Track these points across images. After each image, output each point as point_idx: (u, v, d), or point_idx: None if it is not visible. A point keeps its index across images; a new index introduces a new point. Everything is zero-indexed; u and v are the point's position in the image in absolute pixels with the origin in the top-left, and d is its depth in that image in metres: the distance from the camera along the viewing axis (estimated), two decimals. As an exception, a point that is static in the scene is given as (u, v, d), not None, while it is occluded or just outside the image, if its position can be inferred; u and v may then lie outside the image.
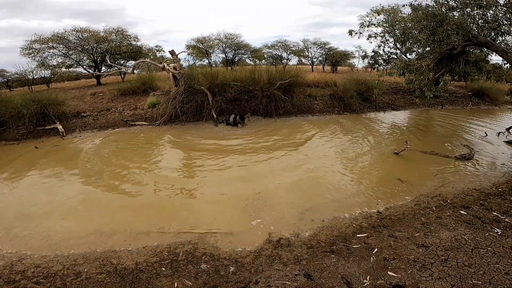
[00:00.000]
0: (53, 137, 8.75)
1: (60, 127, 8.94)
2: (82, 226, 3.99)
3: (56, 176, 5.92)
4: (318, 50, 24.11)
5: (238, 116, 9.66)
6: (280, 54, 24.49)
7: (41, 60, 14.19)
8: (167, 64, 10.36)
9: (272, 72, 11.31)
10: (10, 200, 4.86)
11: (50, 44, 13.96)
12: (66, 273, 3.07)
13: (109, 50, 14.69)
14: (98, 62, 15.55)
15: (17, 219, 4.23)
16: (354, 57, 24.21)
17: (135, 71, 11.90)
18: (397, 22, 11.95)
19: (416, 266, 2.95)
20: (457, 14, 7.31)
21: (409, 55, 14.27)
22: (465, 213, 4.10)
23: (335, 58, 24.10)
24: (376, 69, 16.51)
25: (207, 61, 22.62)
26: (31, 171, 6.16)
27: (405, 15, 11.60)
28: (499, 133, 9.07)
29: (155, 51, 21.44)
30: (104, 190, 5.15)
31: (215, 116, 9.92)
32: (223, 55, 22.53)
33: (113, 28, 15.34)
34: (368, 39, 15.21)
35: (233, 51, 22.22)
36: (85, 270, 3.11)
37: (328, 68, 25.41)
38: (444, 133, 9.40)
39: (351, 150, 7.29)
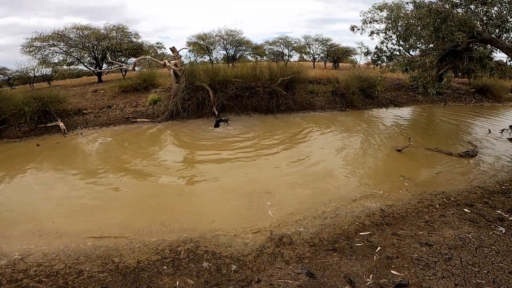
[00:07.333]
0: (54, 135, 8.76)
1: (61, 124, 8.95)
2: (81, 223, 3.98)
3: (58, 173, 5.91)
4: (320, 47, 23.98)
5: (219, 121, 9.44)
6: (281, 50, 24.38)
7: (42, 57, 14.19)
8: (168, 61, 10.32)
9: (274, 69, 11.26)
10: (9, 199, 4.87)
11: (51, 41, 13.93)
12: (68, 271, 3.07)
13: (109, 47, 14.64)
14: (99, 59, 15.52)
15: (15, 216, 4.24)
16: (356, 53, 24.08)
17: (136, 68, 11.89)
18: (400, 19, 11.83)
19: (420, 264, 2.92)
20: (461, 11, 7.22)
21: (413, 51, 14.18)
22: (468, 211, 4.06)
23: (337, 55, 23.94)
24: (379, 65, 16.41)
25: (208, 58, 22.55)
26: (33, 169, 6.16)
27: (408, 12, 11.48)
28: (502, 130, 8.98)
29: (156, 48, 21.39)
30: (105, 188, 5.14)
31: (216, 112, 9.89)
32: (224, 52, 22.45)
33: (114, 25, 15.35)
34: (370, 35, 15.15)
35: (234, 48, 22.12)
36: (87, 268, 3.10)
37: (329, 64, 25.26)
38: (447, 130, 9.33)
39: (353, 147, 7.24)
